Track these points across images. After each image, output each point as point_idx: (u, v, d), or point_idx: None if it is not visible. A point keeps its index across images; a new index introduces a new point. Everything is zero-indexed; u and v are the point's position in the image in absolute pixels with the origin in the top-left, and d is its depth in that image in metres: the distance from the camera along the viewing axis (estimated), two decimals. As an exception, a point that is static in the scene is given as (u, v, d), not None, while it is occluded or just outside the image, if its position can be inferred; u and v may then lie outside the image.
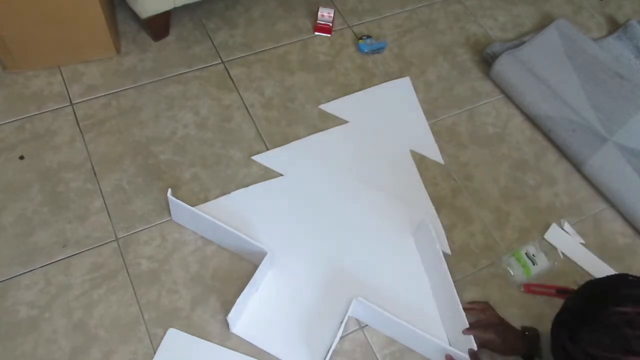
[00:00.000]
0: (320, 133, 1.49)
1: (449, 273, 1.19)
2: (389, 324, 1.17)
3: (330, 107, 1.54)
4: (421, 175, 1.45)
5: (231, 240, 1.22)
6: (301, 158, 1.44)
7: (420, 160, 1.48)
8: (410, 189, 1.43)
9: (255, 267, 1.19)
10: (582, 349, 0.81)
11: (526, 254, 1.35)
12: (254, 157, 1.41)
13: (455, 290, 1.16)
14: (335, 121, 1.52)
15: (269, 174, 1.40)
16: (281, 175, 1.40)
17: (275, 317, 1.20)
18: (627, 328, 0.77)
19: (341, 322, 1.17)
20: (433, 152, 1.50)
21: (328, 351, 1.13)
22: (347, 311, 1.18)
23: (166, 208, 1.30)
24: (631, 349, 0.75)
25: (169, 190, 1.21)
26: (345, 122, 1.52)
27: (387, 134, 1.52)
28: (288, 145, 1.45)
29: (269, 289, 1.23)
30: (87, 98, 1.46)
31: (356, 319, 1.23)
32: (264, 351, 1.16)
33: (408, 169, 1.46)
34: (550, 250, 1.38)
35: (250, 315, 1.19)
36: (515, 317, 1.23)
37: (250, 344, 1.16)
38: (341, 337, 1.19)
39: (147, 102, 1.48)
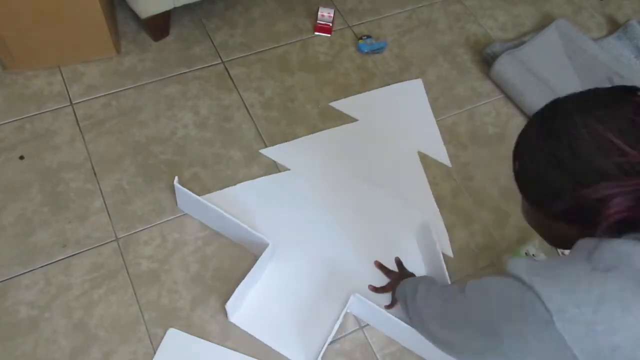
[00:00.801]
0: (329, 130, 1.49)
1: (447, 275, 1.19)
2: (386, 322, 1.17)
3: (340, 105, 1.54)
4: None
5: (234, 230, 1.23)
6: (309, 153, 1.44)
7: (422, 160, 1.48)
8: (416, 190, 1.43)
9: (256, 260, 1.19)
10: (575, 119, 0.66)
11: (526, 253, 1.34)
12: (262, 151, 1.42)
13: None
14: (336, 121, 1.52)
15: (269, 173, 1.40)
16: (288, 169, 1.40)
17: (273, 308, 1.21)
18: None
19: (338, 318, 1.17)
20: (441, 154, 1.50)
21: (323, 345, 1.13)
22: (344, 307, 1.18)
23: (166, 208, 1.30)
24: (634, 143, 0.63)
25: (176, 178, 1.21)
26: (355, 120, 1.52)
27: (396, 134, 1.52)
28: (296, 140, 1.46)
29: (269, 280, 1.24)
30: (87, 98, 1.46)
31: (357, 319, 1.23)
32: (263, 345, 1.16)
33: (415, 170, 1.46)
34: (550, 250, 1.38)
35: (249, 305, 1.20)
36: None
37: (250, 342, 1.16)
38: (341, 337, 1.19)
39: (147, 102, 1.48)
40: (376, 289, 1.25)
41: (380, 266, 1.29)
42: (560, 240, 0.77)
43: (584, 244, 0.68)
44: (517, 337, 0.68)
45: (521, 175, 0.75)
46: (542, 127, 0.70)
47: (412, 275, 1.24)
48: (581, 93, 0.70)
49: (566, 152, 0.66)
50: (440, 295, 0.94)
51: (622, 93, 0.68)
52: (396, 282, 1.22)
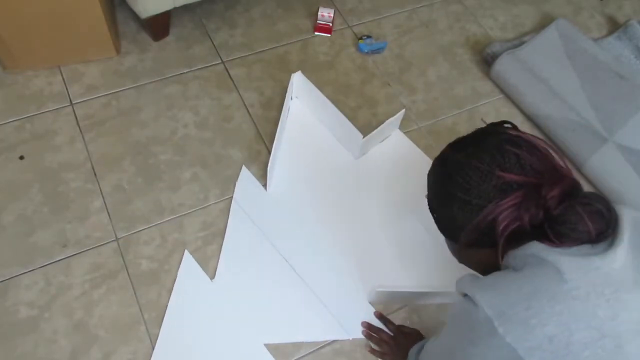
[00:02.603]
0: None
1: None
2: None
3: None
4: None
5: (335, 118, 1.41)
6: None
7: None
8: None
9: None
10: (458, 160, 0.78)
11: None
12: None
13: None
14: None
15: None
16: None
17: None
18: (508, 145, 0.75)
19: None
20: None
21: None
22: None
23: (166, 208, 1.30)
24: (504, 166, 0.73)
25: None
26: None
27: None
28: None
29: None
30: (87, 98, 1.46)
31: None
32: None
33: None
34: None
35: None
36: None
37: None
38: (341, 338, 1.19)
39: (147, 102, 1.48)
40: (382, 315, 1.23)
41: (380, 316, 1.24)
42: (484, 267, 0.81)
43: (505, 259, 0.75)
44: (479, 358, 0.70)
45: (435, 219, 0.84)
46: (439, 173, 0.83)
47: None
48: (460, 138, 0.83)
49: (458, 188, 0.76)
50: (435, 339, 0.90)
51: (489, 127, 0.82)
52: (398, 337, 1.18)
